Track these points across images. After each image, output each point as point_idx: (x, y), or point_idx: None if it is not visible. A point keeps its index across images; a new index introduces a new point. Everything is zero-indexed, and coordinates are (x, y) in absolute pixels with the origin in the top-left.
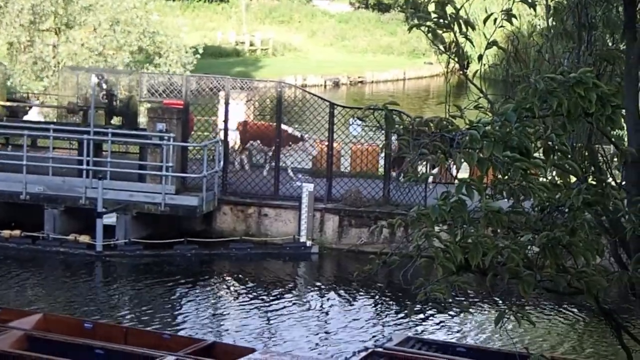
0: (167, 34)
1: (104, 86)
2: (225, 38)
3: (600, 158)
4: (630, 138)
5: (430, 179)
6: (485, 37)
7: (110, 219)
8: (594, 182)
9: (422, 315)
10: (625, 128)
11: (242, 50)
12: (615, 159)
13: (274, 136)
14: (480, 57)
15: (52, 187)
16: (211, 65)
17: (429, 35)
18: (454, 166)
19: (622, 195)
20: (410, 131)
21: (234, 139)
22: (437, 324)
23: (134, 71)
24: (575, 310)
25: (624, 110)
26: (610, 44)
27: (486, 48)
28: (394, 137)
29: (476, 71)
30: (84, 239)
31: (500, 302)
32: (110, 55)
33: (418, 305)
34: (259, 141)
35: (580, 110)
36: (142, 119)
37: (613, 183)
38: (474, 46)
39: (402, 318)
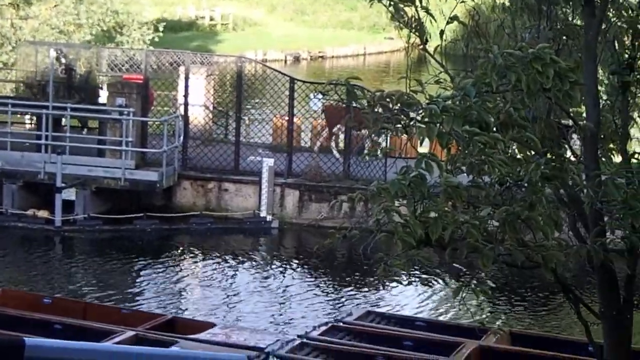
0: (129, 12)
1: (63, 61)
2: (185, 12)
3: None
4: (588, 113)
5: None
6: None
7: (69, 194)
8: (553, 157)
9: (382, 290)
10: (583, 104)
11: (202, 25)
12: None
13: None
14: (441, 32)
15: (10, 162)
16: (171, 40)
17: (390, 9)
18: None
19: (580, 170)
20: (372, 105)
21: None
22: (397, 298)
23: (94, 45)
24: (533, 284)
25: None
26: (570, 19)
27: (447, 23)
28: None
29: (437, 46)
30: (43, 214)
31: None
32: (71, 32)
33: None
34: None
35: (538, 86)
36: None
37: (572, 157)
38: (435, 21)
39: (362, 292)
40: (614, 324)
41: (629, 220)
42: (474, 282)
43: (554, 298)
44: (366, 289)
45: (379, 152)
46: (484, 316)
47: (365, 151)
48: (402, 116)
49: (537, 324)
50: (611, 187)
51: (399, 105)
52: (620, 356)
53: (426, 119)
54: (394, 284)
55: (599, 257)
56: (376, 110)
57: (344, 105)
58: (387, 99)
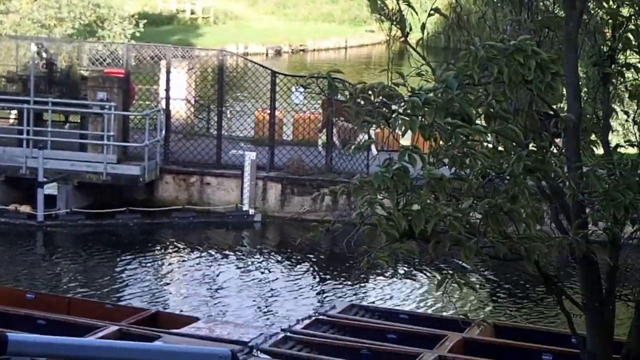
0: (110, 6)
1: (44, 55)
2: (166, 6)
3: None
4: (570, 105)
5: (373, 147)
6: (421, 7)
7: (51, 189)
8: (535, 149)
9: (365, 283)
10: (564, 96)
11: (183, 18)
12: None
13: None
14: (423, 25)
15: None
16: (152, 33)
17: (371, 1)
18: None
19: (562, 162)
20: (354, 98)
21: None
22: (381, 291)
23: (75, 39)
24: (517, 276)
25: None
26: (552, 11)
27: (429, 15)
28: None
29: (420, 39)
30: (25, 209)
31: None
32: (53, 27)
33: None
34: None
35: (520, 77)
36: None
37: (554, 149)
38: (416, 13)
39: (345, 286)
40: (596, 316)
41: (610, 211)
42: (458, 274)
43: (538, 290)
44: (349, 282)
45: (372, 147)
46: (467, 308)
47: (354, 145)
48: (384, 109)
49: (521, 316)
50: (593, 179)
51: (381, 97)
52: (603, 347)
53: (408, 112)
54: (378, 277)
55: (581, 249)
56: (358, 102)
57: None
58: (369, 92)
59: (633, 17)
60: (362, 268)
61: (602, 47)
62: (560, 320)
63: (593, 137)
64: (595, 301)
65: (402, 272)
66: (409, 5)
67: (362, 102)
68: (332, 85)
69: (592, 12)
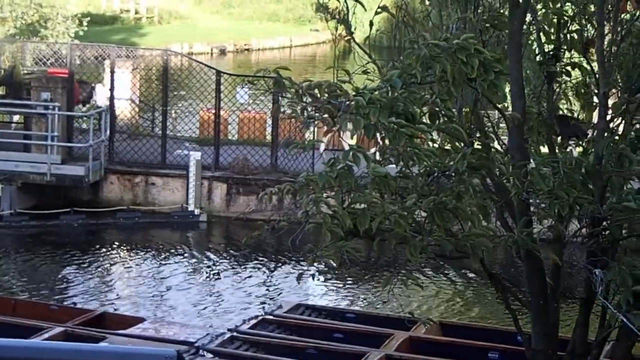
0: (53, 5)
1: None
2: (110, 6)
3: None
4: (514, 103)
5: (322, 147)
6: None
7: None
8: (480, 147)
9: (312, 282)
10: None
11: (127, 18)
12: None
13: None
14: (371, 22)
15: None
16: (95, 33)
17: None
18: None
19: (507, 160)
20: (300, 95)
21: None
22: (327, 290)
23: (18, 39)
24: (462, 274)
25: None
26: (497, 10)
27: (376, 13)
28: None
29: (367, 37)
30: None
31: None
32: None
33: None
34: None
35: (464, 76)
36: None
37: (498, 147)
38: (365, 9)
39: (292, 285)
40: (541, 313)
41: (555, 209)
42: (402, 271)
43: (484, 288)
44: (296, 282)
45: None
46: (414, 307)
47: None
48: (330, 107)
49: (467, 314)
50: (537, 177)
51: (327, 95)
52: (548, 344)
53: (353, 111)
54: (326, 275)
55: (526, 246)
56: (304, 100)
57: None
58: (315, 89)
59: (577, 17)
60: (308, 265)
61: (546, 45)
62: (506, 318)
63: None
64: (540, 299)
65: (349, 270)
66: (358, 1)
67: (309, 100)
68: (280, 82)
69: (537, 11)
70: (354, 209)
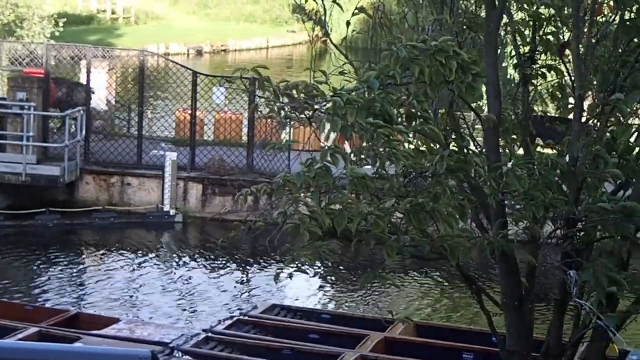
0: (29, 5)
1: None
2: (86, 6)
3: (462, 124)
4: (490, 105)
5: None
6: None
7: None
8: (457, 149)
9: (287, 283)
10: (484, 97)
11: (103, 18)
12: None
13: None
14: (348, 22)
15: None
16: (72, 33)
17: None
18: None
19: (482, 161)
20: (277, 95)
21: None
22: (303, 291)
23: None
24: (437, 275)
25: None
26: (473, 11)
27: (353, 14)
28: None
29: (344, 38)
30: None
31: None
32: None
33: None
34: None
35: (441, 78)
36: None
37: (474, 149)
38: (342, 10)
39: (267, 285)
40: (515, 314)
41: (530, 211)
42: (379, 271)
43: (459, 289)
44: (271, 282)
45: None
46: (389, 307)
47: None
48: (307, 106)
49: (442, 314)
50: (512, 178)
51: (303, 95)
52: (523, 345)
53: (330, 111)
54: (300, 275)
55: (500, 247)
56: (281, 100)
57: None
58: (293, 89)
59: (553, 19)
60: (285, 265)
61: (522, 47)
62: (481, 320)
63: (514, 137)
64: (515, 300)
65: (324, 271)
66: (335, 2)
67: (285, 100)
68: (260, 81)
69: (514, 13)
70: (331, 209)
